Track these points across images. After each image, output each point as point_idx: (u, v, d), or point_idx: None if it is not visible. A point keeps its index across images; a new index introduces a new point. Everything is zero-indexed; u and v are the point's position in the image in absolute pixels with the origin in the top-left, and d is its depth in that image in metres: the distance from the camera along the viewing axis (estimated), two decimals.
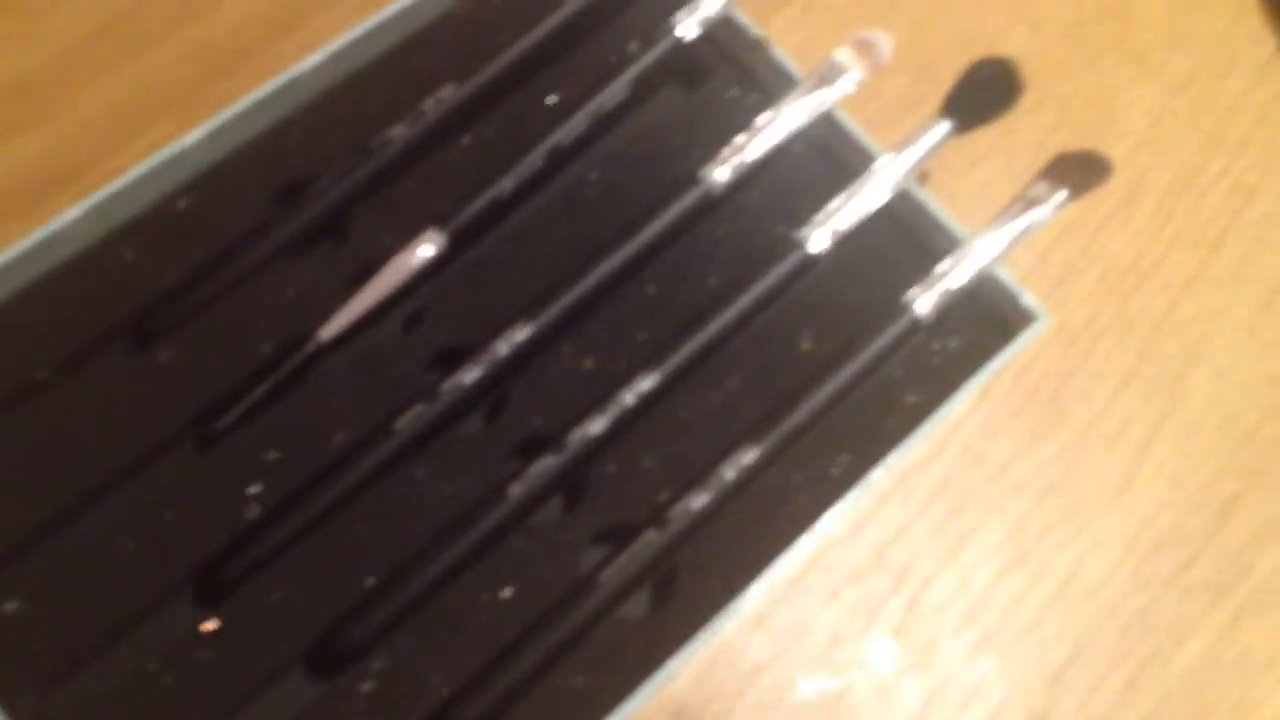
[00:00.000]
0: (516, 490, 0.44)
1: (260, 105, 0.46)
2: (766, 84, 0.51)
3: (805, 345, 0.48)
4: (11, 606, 0.41)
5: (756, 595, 0.43)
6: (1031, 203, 0.48)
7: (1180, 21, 0.59)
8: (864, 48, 0.49)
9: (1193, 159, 0.57)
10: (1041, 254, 0.53)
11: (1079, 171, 0.49)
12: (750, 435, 0.45)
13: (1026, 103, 0.51)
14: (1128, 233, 0.55)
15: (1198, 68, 0.59)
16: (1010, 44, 0.57)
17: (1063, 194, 0.48)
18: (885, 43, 0.50)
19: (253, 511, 0.43)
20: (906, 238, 0.50)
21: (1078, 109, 0.57)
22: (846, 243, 0.48)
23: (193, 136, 0.45)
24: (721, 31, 0.51)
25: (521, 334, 0.45)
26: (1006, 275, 0.48)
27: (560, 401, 0.46)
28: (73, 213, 0.44)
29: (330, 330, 0.45)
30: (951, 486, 0.50)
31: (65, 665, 0.41)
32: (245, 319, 0.45)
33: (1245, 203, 0.56)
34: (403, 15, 0.49)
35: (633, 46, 0.50)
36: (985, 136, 0.50)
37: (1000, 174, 0.55)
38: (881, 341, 0.47)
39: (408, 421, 0.44)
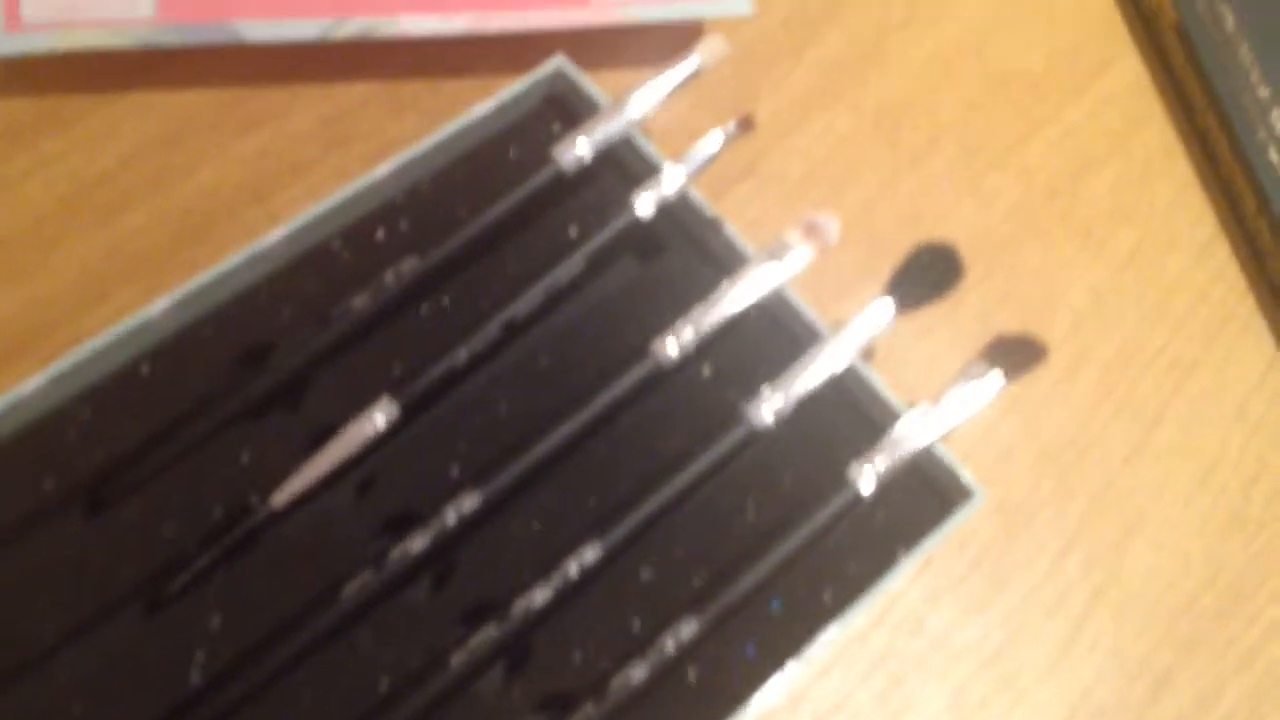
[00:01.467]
0: (458, 659, 0.44)
1: (225, 276, 0.48)
2: (720, 259, 0.53)
3: (749, 516, 0.49)
4: None
5: None
6: (970, 384, 0.50)
7: (1124, 200, 0.62)
8: (812, 230, 0.51)
9: (1134, 335, 0.59)
10: (986, 427, 0.55)
11: (1015, 355, 0.51)
12: (691, 607, 0.46)
13: (973, 276, 0.53)
14: (1069, 408, 0.56)
15: (1140, 245, 0.61)
16: (959, 219, 0.59)
17: (999, 377, 0.50)
18: (833, 226, 0.52)
19: (199, 677, 0.44)
20: (852, 411, 0.51)
21: (1023, 283, 0.59)
22: (793, 415, 0.49)
23: (158, 306, 0.47)
24: (678, 207, 0.53)
25: (470, 503, 0.46)
26: (946, 452, 0.49)
27: (506, 570, 0.47)
28: (35, 381, 0.45)
29: (282, 497, 0.46)
30: (892, 657, 0.51)
31: None
32: (199, 484, 0.46)
33: (1184, 378, 0.58)
34: (367, 190, 0.50)
35: (591, 221, 0.52)
36: (932, 310, 0.51)
37: (946, 346, 0.56)
38: (823, 515, 0.48)
39: (354, 589, 0.45)
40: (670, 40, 0.59)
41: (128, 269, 0.52)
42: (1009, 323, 0.58)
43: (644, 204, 0.52)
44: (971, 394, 0.49)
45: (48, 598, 0.44)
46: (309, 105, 0.56)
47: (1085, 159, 0.62)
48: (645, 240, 0.53)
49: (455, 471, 0.48)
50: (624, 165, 0.54)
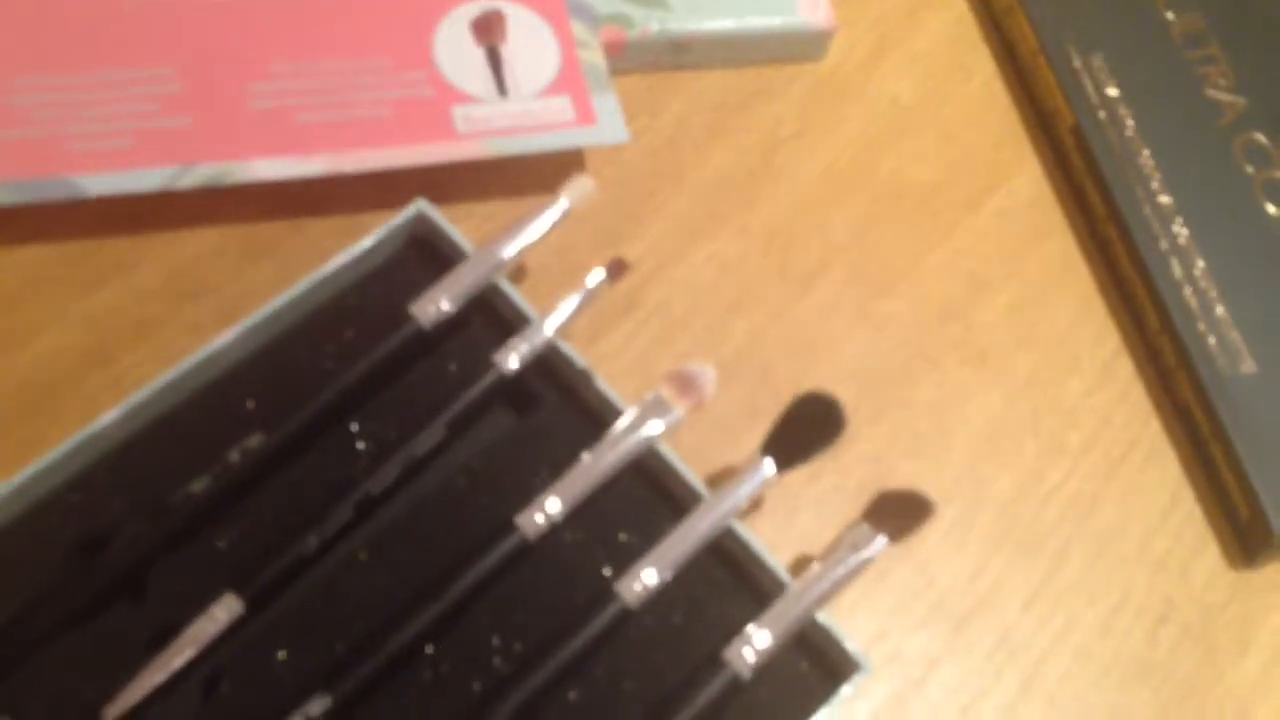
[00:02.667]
0: None
1: (56, 465, 0.45)
2: (594, 411, 0.50)
3: (625, 700, 0.47)
4: None
5: None
6: (855, 547, 0.47)
7: (1023, 321, 0.59)
8: (686, 385, 0.49)
9: (1032, 465, 0.57)
10: (876, 577, 0.52)
11: (901, 514, 0.49)
12: None
13: (865, 412, 0.51)
14: (965, 551, 0.54)
15: (1038, 368, 0.59)
16: (850, 350, 0.57)
17: (883, 540, 0.47)
18: (708, 377, 0.49)
19: None
20: (734, 576, 0.49)
21: (916, 416, 0.57)
22: (672, 585, 0.47)
23: None
24: (550, 358, 0.50)
25: (319, 706, 0.44)
26: (830, 622, 0.47)
27: None
28: None
29: (117, 709, 0.43)
30: None
31: None
32: (29, 695, 0.43)
33: (1085, 514, 0.56)
34: (212, 357, 0.47)
35: (454, 375, 0.49)
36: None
37: (837, 490, 0.54)
38: (702, 699, 0.46)
39: None
40: (547, 168, 0.56)
41: None
42: (902, 461, 0.55)
43: (510, 360, 0.49)
44: (855, 560, 0.47)
45: None
46: (158, 256, 0.53)
47: (981, 279, 0.60)
48: (518, 392, 0.51)
49: (304, 669, 0.45)
50: (494, 313, 0.52)
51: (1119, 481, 0.57)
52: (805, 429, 0.49)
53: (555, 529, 0.48)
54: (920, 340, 0.58)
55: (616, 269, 0.51)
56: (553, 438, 0.50)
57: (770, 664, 0.47)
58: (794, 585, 0.47)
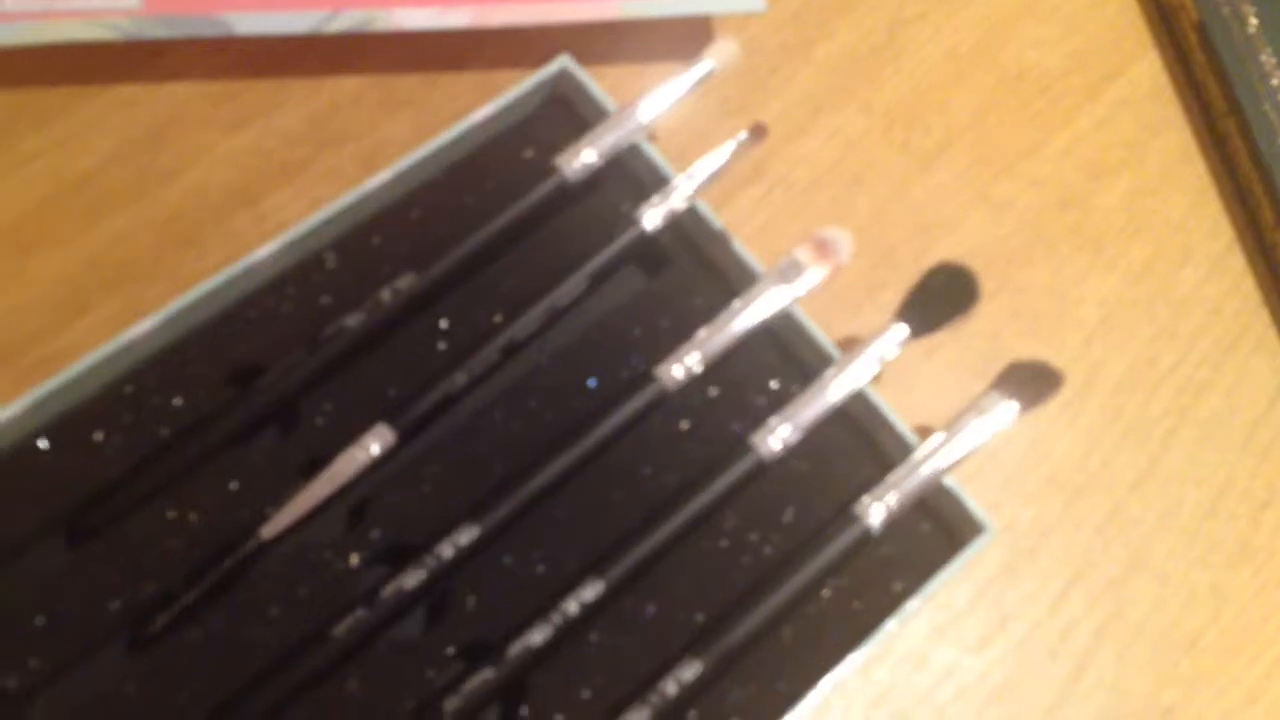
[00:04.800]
0: (452, 704, 0.43)
1: (212, 293, 0.46)
2: (727, 274, 0.51)
3: (754, 550, 0.48)
4: None
5: None
6: (984, 413, 0.48)
7: (1139, 211, 0.60)
8: (825, 247, 0.50)
9: (1145, 351, 0.57)
10: (991, 450, 0.53)
11: (1032, 384, 0.49)
12: (693, 648, 0.45)
13: (983, 292, 0.51)
14: (1077, 429, 0.55)
15: (1154, 258, 0.59)
16: (969, 230, 0.58)
17: (1015, 407, 0.48)
18: (846, 243, 0.50)
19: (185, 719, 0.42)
20: (861, 438, 0.50)
21: (1034, 297, 0.57)
22: (799, 443, 0.48)
23: (143, 326, 0.45)
24: (684, 219, 0.51)
25: (467, 536, 0.45)
26: (957, 487, 0.48)
27: (502, 607, 0.45)
28: (13, 408, 0.43)
29: (272, 529, 0.44)
30: (894, 692, 0.50)
31: None
32: (186, 512, 0.45)
33: (1195, 400, 0.57)
34: (362, 199, 0.48)
35: (594, 233, 0.50)
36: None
37: (954, 365, 0.55)
38: (831, 551, 0.47)
39: (345, 629, 0.43)
40: (677, 35, 0.57)
41: (110, 278, 0.50)
42: (1018, 341, 0.56)
43: (651, 218, 0.50)
44: (984, 426, 0.48)
45: (26, 634, 0.43)
46: (300, 101, 0.54)
47: (1099, 167, 0.60)
48: (650, 253, 0.51)
49: (451, 502, 0.46)
50: (630, 173, 0.52)
51: (1228, 370, 0.58)
52: (940, 297, 0.50)
53: (692, 384, 0.48)
54: (1038, 224, 0.59)
55: (758, 132, 0.51)
56: (688, 298, 0.51)
57: (896, 523, 0.48)
58: (923, 448, 0.48)
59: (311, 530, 0.46)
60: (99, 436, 0.45)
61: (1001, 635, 0.51)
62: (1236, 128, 0.61)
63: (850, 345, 0.49)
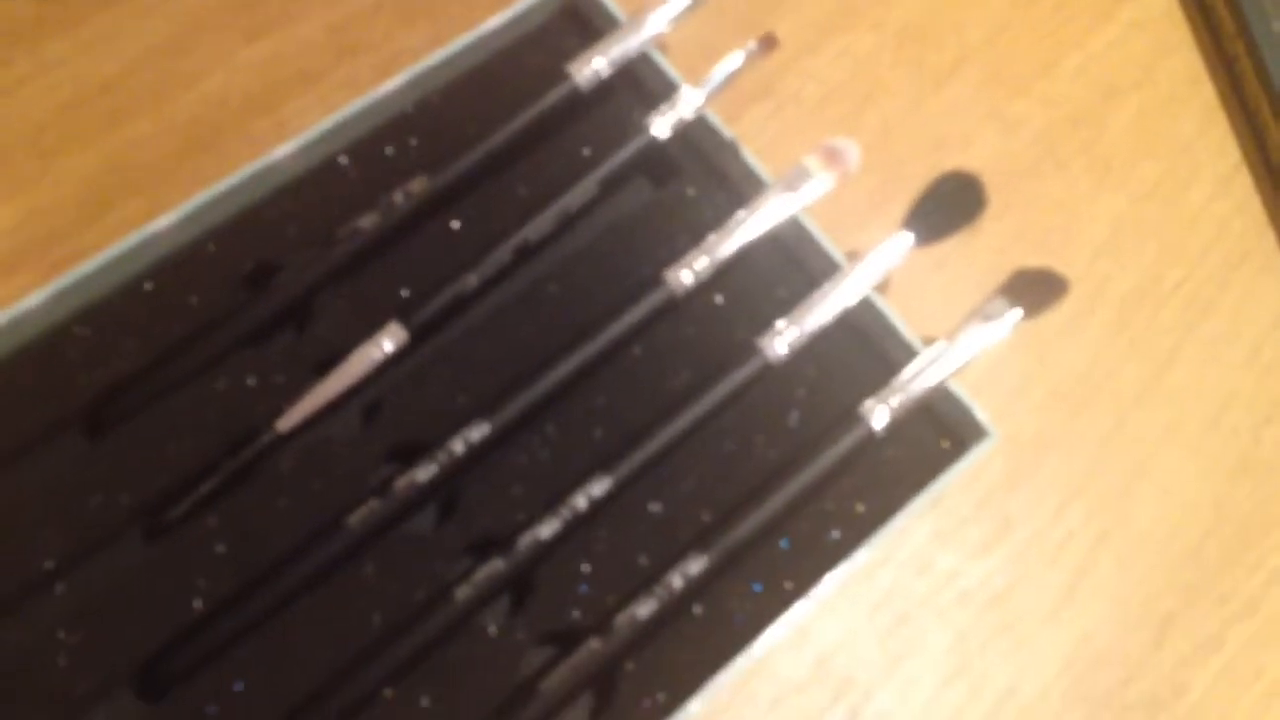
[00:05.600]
0: (462, 592, 0.44)
1: (231, 191, 0.47)
2: (735, 185, 0.52)
3: (759, 452, 0.49)
4: None
5: (698, 706, 0.43)
6: (988, 319, 0.49)
7: (1148, 130, 0.60)
8: (833, 156, 0.50)
9: (1151, 268, 0.58)
10: (996, 361, 0.54)
11: (1036, 290, 0.50)
12: (699, 543, 0.46)
13: (992, 208, 0.51)
14: (1082, 343, 0.56)
15: (1163, 177, 0.60)
16: (980, 146, 0.58)
17: (1019, 313, 0.49)
18: (854, 152, 0.50)
19: (199, 605, 0.43)
20: (865, 345, 0.51)
21: (1042, 214, 0.58)
22: (805, 348, 0.48)
23: (163, 221, 0.45)
24: (693, 130, 0.51)
25: (478, 433, 0.46)
26: (961, 391, 0.48)
27: (512, 502, 0.46)
28: (36, 298, 0.44)
29: (287, 423, 0.45)
30: (897, 596, 0.51)
31: None
32: (203, 406, 0.46)
33: (1200, 317, 0.57)
34: (377, 104, 0.49)
35: (604, 141, 0.50)
36: (947, 241, 0.50)
37: (961, 278, 0.55)
38: (835, 452, 0.47)
39: (359, 519, 0.44)
40: None
41: (131, 180, 0.50)
42: (1026, 256, 0.57)
43: (660, 126, 0.50)
44: (989, 331, 0.49)
45: (46, 521, 0.44)
46: (319, 11, 0.54)
47: (1110, 87, 0.61)
48: (659, 163, 0.52)
49: (462, 400, 0.47)
50: (640, 83, 0.53)
51: (1233, 289, 0.58)
52: (947, 205, 0.50)
53: (700, 290, 0.49)
54: (1050, 142, 0.59)
55: (768, 42, 0.51)
56: (697, 207, 0.51)
57: (901, 428, 0.49)
58: (930, 352, 0.48)
59: (326, 426, 0.46)
60: (119, 331, 0.46)
61: (1003, 542, 0.52)
62: (1245, 49, 0.62)
63: (857, 258, 0.49)
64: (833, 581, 0.46)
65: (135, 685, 0.43)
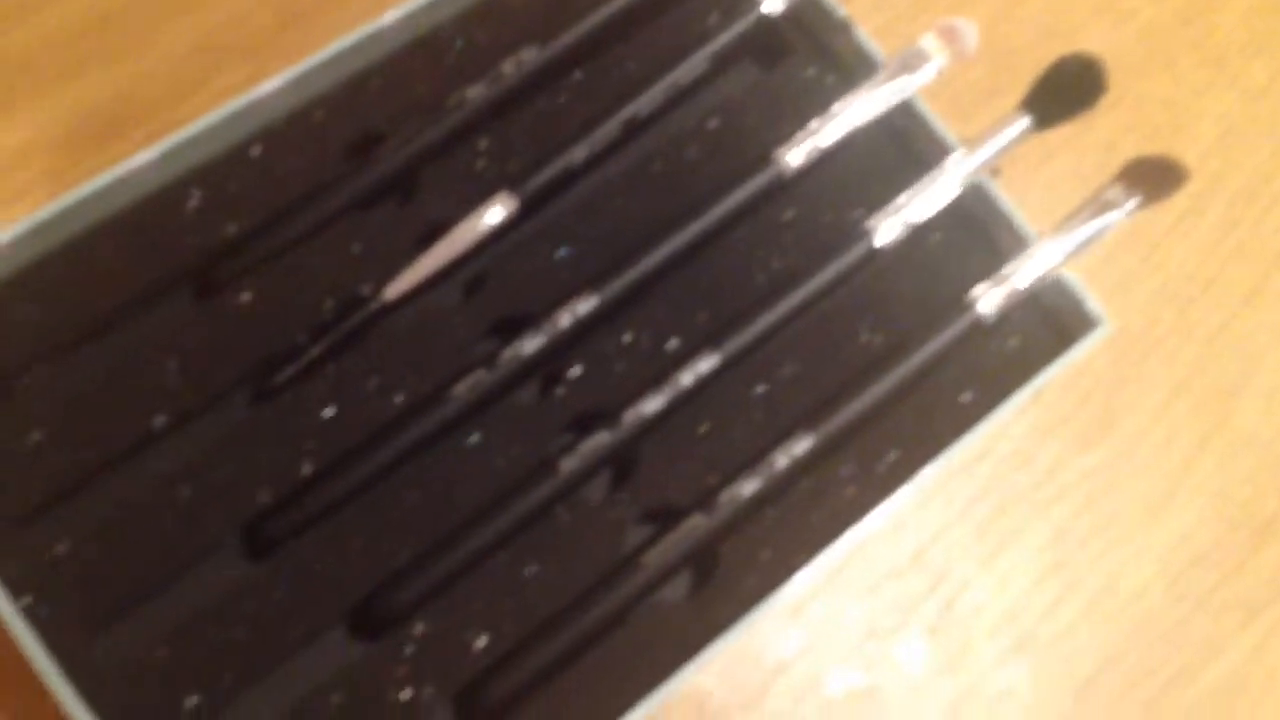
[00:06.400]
0: (568, 465, 0.44)
1: (338, 58, 0.46)
2: (847, 65, 0.51)
3: (865, 336, 0.48)
4: (63, 548, 0.41)
5: (797, 587, 0.43)
6: (1104, 207, 0.48)
7: (1261, 27, 0.59)
8: (950, 35, 0.49)
9: (1262, 168, 0.56)
10: (1104, 257, 0.53)
11: (1154, 177, 0.48)
12: (804, 424, 0.45)
13: (1103, 100, 0.50)
14: (1191, 241, 0.55)
15: (1275, 76, 0.58)
16: (1090, 38, 0.57)
17: (1136, 200, 0.48)
18: (971, 32, 0.49)
19: (307, 467, 0.43)
20: (975, 232, 0.50)
21: (1152, 110, 0.56)
22: (914, 234, 0.47)
23: (269, 85, 0.45)
24: (805, 9, 0.50)
25: (585, 306, 0.45)
26: (1073, 280, 0.47)
27: (617, 377, 0.46)
28: (145, 155, 0.43)
29: (395, 290, 0.45)
30: (996, 489, 0.50)
31: (112, 609, 0.41)
32: (310, 272, 0.45)
33: None
34: None
35: (714, 19, 0.49)
36: (1058, 133, 0.49)
37: (1070, 172, 0.54)
38: (942, 339, 0.47)
39: (465, 388, 0.44)
40: None
41: (233, 50, 0.50)
42: (1135, 152, 0.55)
43: (772, 2, 0.49)
44: (1105, 219, 0.47)
45: (155, 383, 0.43)
46: None
47: None
48: (769, 41, 0.51)
49: (568, 274, 0.46)
50: None
51: None
52: (1067, 88, 0.49)
53: (809, 172, 0.48)
54: (1160, 37, 0.58)
55: None
56: (808, 88, 0.50)
57: (1010, 318, 0.48)
58: (1041, 239, 0.47)
59: (431, 297, 0.46)
60: (228, 194, 0.46)
61: (1106, 438, 0.52)
62: None
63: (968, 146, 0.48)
64: (935, 470, 0.45)
65: (242, 542, 0.43)
